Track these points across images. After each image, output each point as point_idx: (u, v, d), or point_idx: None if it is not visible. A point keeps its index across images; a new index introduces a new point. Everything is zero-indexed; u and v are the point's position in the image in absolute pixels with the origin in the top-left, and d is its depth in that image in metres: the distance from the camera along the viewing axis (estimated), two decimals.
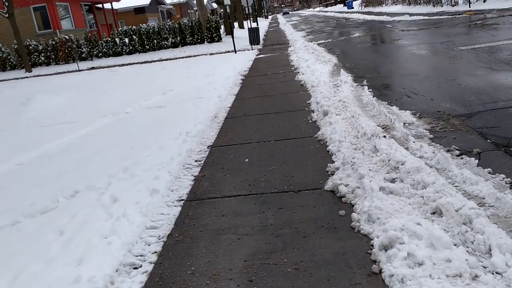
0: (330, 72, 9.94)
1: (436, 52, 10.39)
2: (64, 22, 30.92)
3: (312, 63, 11.22)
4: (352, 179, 3.47)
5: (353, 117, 5.63)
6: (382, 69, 9.37)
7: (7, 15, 22.19)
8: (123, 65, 20.55)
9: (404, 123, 5.16)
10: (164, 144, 5.33)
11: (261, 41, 22.75)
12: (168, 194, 3.75)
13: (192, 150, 5.03)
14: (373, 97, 6.79)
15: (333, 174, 3.79)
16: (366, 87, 7.51)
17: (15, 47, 24.57)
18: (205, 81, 10.82)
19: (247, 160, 4.50)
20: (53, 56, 25.52)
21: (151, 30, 25.05)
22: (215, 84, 9.94)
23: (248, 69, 12.53)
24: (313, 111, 6.26)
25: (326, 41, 18.19)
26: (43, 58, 25.54)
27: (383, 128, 5.08)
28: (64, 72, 20.76)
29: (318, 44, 16.90)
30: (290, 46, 17.18)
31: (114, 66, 20.41)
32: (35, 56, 25.53)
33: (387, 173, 3.76)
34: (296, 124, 5.70)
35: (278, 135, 5.31)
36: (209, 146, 5.25)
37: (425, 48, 11.43)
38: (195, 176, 4.25)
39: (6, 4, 21.91)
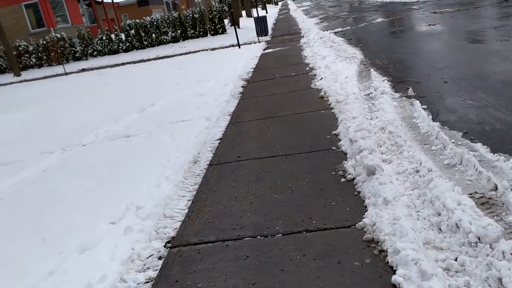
0: (358, 74, 7.53)
1: (495, 41, 7.88)
2: (59, 19, 28.85)
3: (332, 61, 8.80)
4: None
5: (417, 172, 3.26)
6: (428, 69, 6.92)
7: None
8: (116, 65, 18.36)
9: None
10: (92, 238, 3.07)
11: (270, 31, 20.28)
12: None
13: (134, 258, 2.76)
14: (435, 121, 4.40)
15: None
16: (417, 103, 5.12)
17: (3, 48, 22.54)
18: (196, 90, 8.52)
19: None
20: (44, 57, 23.45)
21: (149, 24, 22.75)
22: (207, 96, 7.63)
23: (252, 70, 10.17)
24: (346, 155, 3.90)
25: (344, 29, 15.66)
26: (34, 60, 23.50)
27: (484, 205, 2.73)
28: (52, 76, 18.68)
29: (335, 33, 14.41)
30: (303, 37, 14.72)
31: (106, 67, 18.23)
32: (26, 58, 23.52)
33: None
34: (321, 187, 3.35)
35: (290, 217, 2.98)
36: (167, 243, 2.96)
37: (477, 35, 8.90)
38: None
39: None
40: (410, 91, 5.87)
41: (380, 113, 5.05)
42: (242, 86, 8.31)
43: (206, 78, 9.59)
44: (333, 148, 4.12)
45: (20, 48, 23.28)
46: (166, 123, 6.25)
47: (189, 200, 3.56)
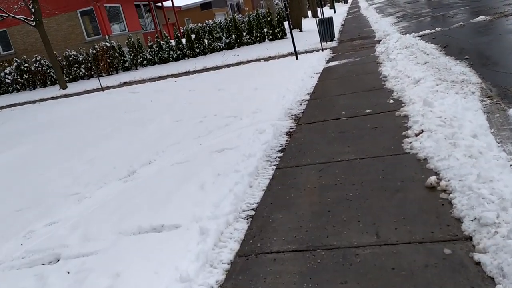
0: (488, 123, 4.22)
1: None
2: (115, 26, 27.57)
3: (432, 90, 5.52)
4: None
5: None
6: None
7: (33, 23, 18.83)
8: (159, 78, 16.17)
9: None
10: None
11: (337, 35, 16.97)
12: None
13: None
14: None
15: None
16: None
17: (58, 58, 21.35)
18: (219, 136, 5.69)
19: None
20: (94, 67, 21.94)
21: (200, 30, 20.43)
22: (227, 155, 4.76)
23: (308, 97, 7.12)
24: None
25: (432, 31, 12.00)
26: (83, 70, 22.10)
27: None
28: (90, 91, 16.88)
29: (421, 38, 10.93)
30: (379, 43, 11.29)
31: (147, 80, 16.07)
32: (75, 68, 22.21)
33: None
34: None
35: None
36: None
37: None
38: None
39: (33, 10, 18.48)
40: None
41: None
42: (286, 134, 5.30)
43: (241, 112, 6.71)
44: None
45: (70, 58, 22.01)
46: (133, 227, 3.45)
47: None
